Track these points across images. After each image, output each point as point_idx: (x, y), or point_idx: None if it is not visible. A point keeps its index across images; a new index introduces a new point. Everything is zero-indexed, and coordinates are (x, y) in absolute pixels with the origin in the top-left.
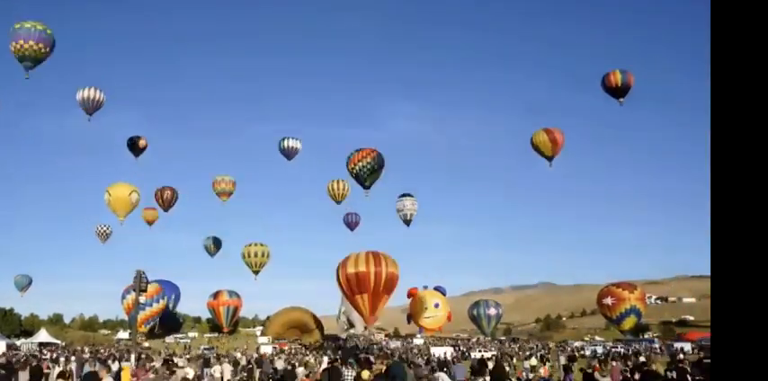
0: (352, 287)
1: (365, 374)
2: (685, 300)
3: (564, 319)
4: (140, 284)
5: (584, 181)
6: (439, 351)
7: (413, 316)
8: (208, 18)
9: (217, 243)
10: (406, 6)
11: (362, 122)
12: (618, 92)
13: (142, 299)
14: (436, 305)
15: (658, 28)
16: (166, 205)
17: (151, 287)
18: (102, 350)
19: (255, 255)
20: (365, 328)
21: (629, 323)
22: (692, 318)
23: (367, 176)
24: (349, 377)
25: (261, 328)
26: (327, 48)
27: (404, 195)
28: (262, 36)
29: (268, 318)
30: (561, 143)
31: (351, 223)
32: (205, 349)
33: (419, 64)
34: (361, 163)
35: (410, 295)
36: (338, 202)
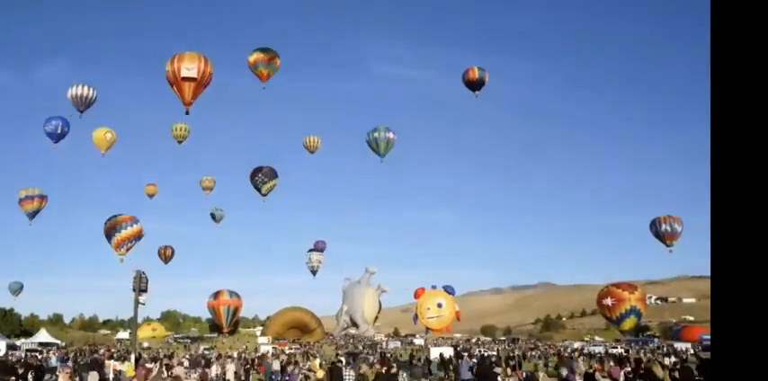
0: (170, 80)
1: (366, 373)
2: (685, 300)
3: (564, 319)
4: (140, 284)
5: (584, 180)
6: (438, 351)
7: (418, 317)
8: None
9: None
10: None
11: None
12: (474, 85)
13: (142, 299)
14: (439, 305)
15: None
16: (167, 260)
17: (126, 216)
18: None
19: (180, 129)
20: (366, 328)
21: (629, 323)
22: (691, 318)
23: (261, 187)
24: (349, 377)
25: (261, 328)
26: None
27: (312, 250)
28: None
29: (268, 318)
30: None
31: (319, 249)
32: (205, 349)
33: None
34: (257, 177)
35: (417, 295)
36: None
